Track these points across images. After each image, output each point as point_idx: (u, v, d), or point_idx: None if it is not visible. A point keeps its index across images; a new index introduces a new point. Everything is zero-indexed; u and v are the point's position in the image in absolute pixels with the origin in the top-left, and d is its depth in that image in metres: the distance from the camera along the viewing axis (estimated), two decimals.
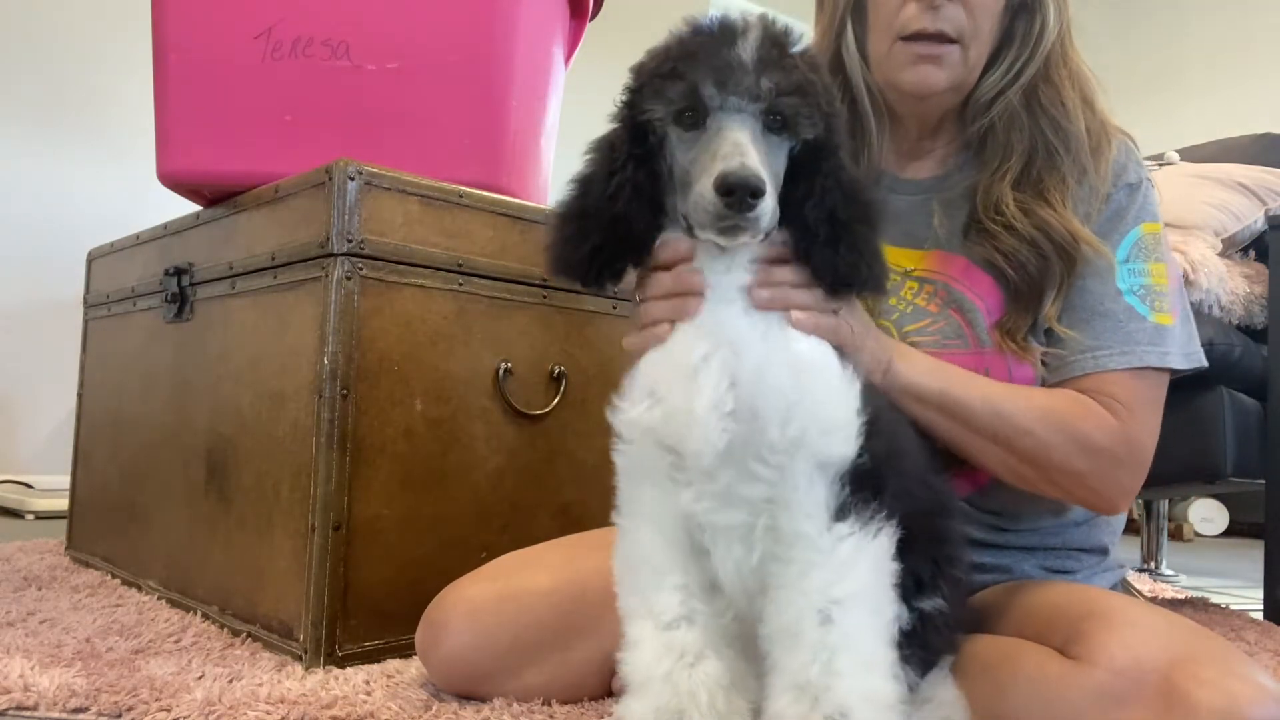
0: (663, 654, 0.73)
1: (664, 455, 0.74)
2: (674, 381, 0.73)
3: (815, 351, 0.74)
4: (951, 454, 0.96)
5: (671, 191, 0.75)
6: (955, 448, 0.94)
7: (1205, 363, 1.01)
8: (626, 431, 0.76)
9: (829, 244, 0.74)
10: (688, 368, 0.72)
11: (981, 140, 1.03)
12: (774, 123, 0.71)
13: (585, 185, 0.78)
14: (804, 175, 0.74)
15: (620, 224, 0.75)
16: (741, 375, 0.71)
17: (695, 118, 0.71)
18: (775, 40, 0.72)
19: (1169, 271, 1.00)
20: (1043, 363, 0.98)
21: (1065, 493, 0.97)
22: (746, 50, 0.70)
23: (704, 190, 0.68)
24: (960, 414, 0.91)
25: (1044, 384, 0.98)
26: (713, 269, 0.75)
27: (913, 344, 0.97)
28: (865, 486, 0.71)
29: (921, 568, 0.76)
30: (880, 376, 0.87)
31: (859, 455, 0.70)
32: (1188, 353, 0.99)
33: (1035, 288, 0.97)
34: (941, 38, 0.98)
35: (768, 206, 0.68)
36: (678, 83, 0.71)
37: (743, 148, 0.67)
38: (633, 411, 0.75)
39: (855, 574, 0.69)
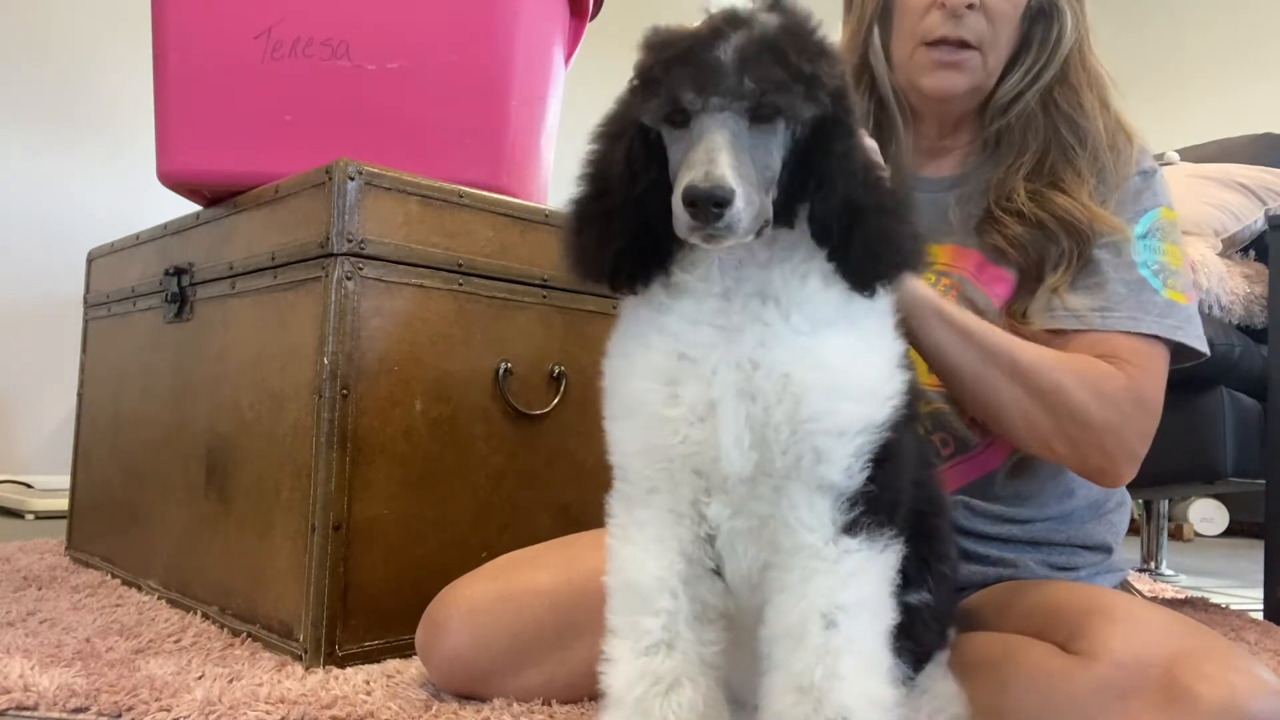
0: (637, 678, 0.72)
1: (689, 479, 0.72)
2: (689, 408, 0.70)
3: (830, 375, 0.69)
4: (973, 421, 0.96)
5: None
6: (971, 387, 0.93)
7: (1208, 351, 1.01)
8: (645, 458, 0.73)
9: (844, 235, 0.69)
10: (705, 402, 0.70)
11: (997, 138, 1.07)
12: (765, 113, 0.67)
13: (602, 183, 0.74)
14: (815, 158, 0.70)
15: (650, 227, 0.71)
16: (755, 410, 0.69)
17: (683, 117, 0.68)
18: (763, 34, 0.68)
19: (1183, 255, 1.02)
20: (1049, 331, 0.97)
21: (1075, 449, 0.94)
22: (727, 50, 0.66)
23: (675, 201, 0.65)
24: (981, 340, 0.91)
25: None
26: (724, 276, 0.72)
27: None
28: (880, 509, 0.70)
29: (908, 563, 0.76)
30: (910, 293, 0.86)
31: (866, 484, 0.69)
32: (1198, 334, 0.99)
33: (1038, 269, 0.99)
34: (962, 44, 1.02)
35: (739, 212, 0.64)
36: (659, 88, 0.68)
37: (714, 154, 0.64)
38: (656, 438, 0.72)
39: (859, 583, 0.69)
